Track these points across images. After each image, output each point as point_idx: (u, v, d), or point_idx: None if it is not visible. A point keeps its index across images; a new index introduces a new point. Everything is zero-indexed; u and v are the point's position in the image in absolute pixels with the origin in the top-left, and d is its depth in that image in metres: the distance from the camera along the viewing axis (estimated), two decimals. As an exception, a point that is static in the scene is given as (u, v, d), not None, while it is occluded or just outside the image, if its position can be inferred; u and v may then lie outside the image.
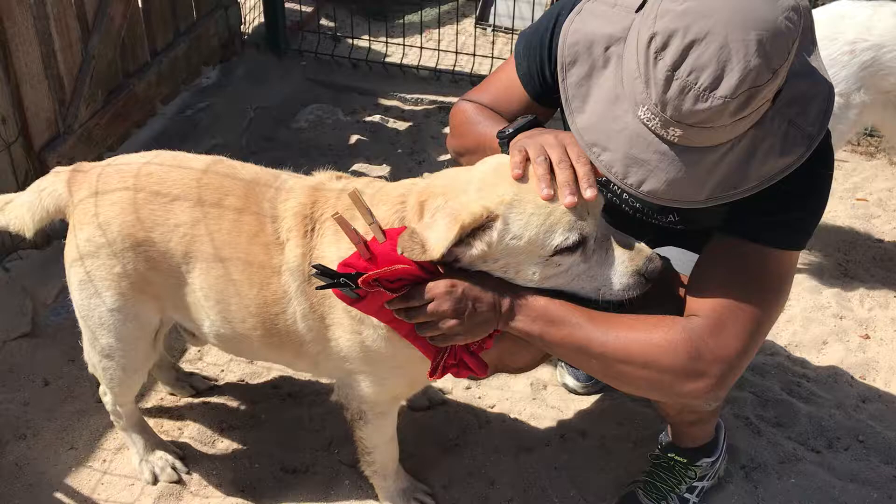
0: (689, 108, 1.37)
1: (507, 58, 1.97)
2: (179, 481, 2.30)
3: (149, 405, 2.52)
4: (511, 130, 1.69)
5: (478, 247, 1.56)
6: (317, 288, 1.64)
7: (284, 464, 2.36)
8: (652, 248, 1.66)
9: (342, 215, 1.56)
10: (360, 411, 2.00)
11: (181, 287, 1.90)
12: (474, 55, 4.20)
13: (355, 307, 1.63)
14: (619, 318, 1.58)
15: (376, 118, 4.01)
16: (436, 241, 1.53)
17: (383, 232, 1.59)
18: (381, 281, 1.55)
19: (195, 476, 2.31)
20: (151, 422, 2.43)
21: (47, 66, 2.88)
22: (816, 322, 2.89)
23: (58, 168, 2.02)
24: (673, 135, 1.41)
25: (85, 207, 1.90)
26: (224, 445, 2.41)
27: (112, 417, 2.28)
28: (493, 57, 4.18)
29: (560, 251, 1.54)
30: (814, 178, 1.60)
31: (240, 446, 2.41)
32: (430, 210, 1.62)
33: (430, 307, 1.58)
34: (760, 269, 1.61)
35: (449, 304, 1.57)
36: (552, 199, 1.52)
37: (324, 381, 2.59)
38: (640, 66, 1.41)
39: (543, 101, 1.85)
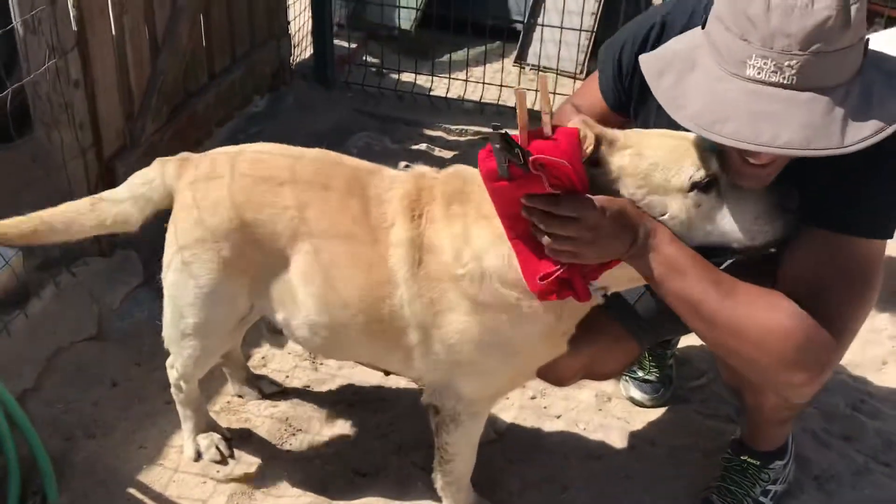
0: (799, 27, 1.38)
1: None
2: (222, 461, 2.31)
3: (217, 407, 2.52)
4: None
5: (615, 162, 1.60)
6: (490, 140, 1.54)
7: (355, 466, 2.35)
8: None
9: (522, 95, 1.55)
10: (454, 412, 1.98)
11: (282, 272, 1.93)
12: (518, 88, 4.29)
13: (494, 185, 1.58)
14: (743, 288, 1.59)
15: (422, 146, 4.08)
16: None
17: (553, 127, 1.58)
18: (544, 170, 1.53)
19: (266, 476, 2.31)
20: (221, 419, 2.43)
21: (120, 79, 2.97)
22: (874, 343, 2.90)
23: (161, 158, 2.07)
24: (789, 73, 1.40)
25: (194, 191, 1.95)
26: (294, 447, 2.41)
27: (173, 390, 2.29)
28: (536, 90, 4.27)
29: (694, 186, 1.58)
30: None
31: (309, 448, 2.40)
32: None
33: (584, 216, 1.55)
34: (851, 261, 1.63)
35: (594, 220, 1.55)
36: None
37: (391, 385, 2.59)
38: (733, 25, 1.44)
39: (620, 111, 1.99)
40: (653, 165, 1.60)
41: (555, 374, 2.05)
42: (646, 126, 1.88)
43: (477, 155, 1.61)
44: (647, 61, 1.62)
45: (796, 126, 1.42)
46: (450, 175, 1.91)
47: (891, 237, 1.70)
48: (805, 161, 1.50)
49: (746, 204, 1.59)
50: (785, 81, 1.42)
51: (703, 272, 1.59)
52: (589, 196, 1.56)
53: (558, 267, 1.63)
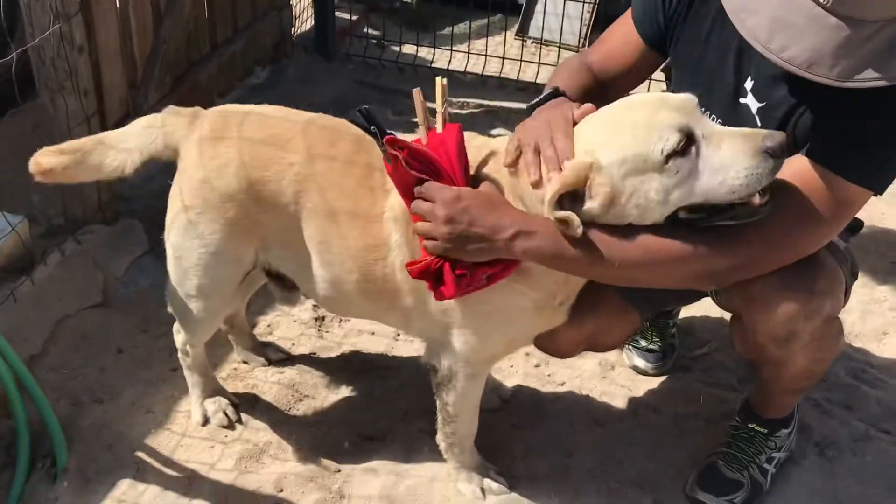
0: None
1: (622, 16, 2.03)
2: (230, 426, 2.33)
3: (224, 373, 2.54)
4: (535, 101, 1.79)
5: (601, 190, 1.59)
6: (350, 119, 1.70)
7: (362, 431, 2.37)
8: None
9: (419, 93, 1.66)
10: (451, 372, 2.00)
11: (288, 228, 1.94)
12: (521, 60, 4.29)
13: (388, 169, 1.70)
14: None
15: (424, 119, 4.07)
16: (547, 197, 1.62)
17: (445, 125, 1.70)
18: (409, 156, 1.63)
19: (274, 440, 2.33)
20: (228, 386, 2.45)
21: (123, 47, 2.95)
22: (875, 314, 2.92)
23: (172, 108, 2.06)
24: None
25: (201, 150, 1.94)
26: (301, 413, 2.42)
27: (179, 355, 2.30)
28: (539, 63, 4.27)
29: (670, 155, 1.54)
30: None
31: (316, 414, 2.42)
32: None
33: (425, 206, 1.66)
34: (825, 198, 1.64)
35: (444, 212, 1.63)
36: (538, 183, 1.62)
37: (397, 353, 2.61)
38: None
39: (657, 47, 1.93)
40: (621, 162, 1.58)
41: (556, 347, 2.07)
42: (684, 57, 1.90)
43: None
44: None
45: (807, 45, 1.45)
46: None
47: (878, 192, 1.70)
48: (825, 95, 1.52)
49: (727, 155, 1.54)
50: (822, 1, 1.43)
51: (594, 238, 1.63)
52: (455, 187, 1.66)
53: (427, 258, 1.70)
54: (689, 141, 1.55)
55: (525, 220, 1.66)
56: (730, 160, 1.54)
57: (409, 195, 1.70)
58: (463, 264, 1.68)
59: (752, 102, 1.83)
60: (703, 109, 1.84)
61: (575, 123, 1.68)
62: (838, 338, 1.99)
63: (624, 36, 1.97)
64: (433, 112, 1.80)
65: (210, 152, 1.94)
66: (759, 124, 1.80)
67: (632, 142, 1.57)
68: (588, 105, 1.68)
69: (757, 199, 1.56)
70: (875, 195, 1.71)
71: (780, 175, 1.62)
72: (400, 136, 1.70)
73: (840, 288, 1.87)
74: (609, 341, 2.17)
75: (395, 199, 1.84)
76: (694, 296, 2.17)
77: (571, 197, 1.61)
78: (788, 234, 1.65)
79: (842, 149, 1.64)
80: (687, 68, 1.92)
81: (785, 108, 1.76)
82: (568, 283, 1.84)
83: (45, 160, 2.03)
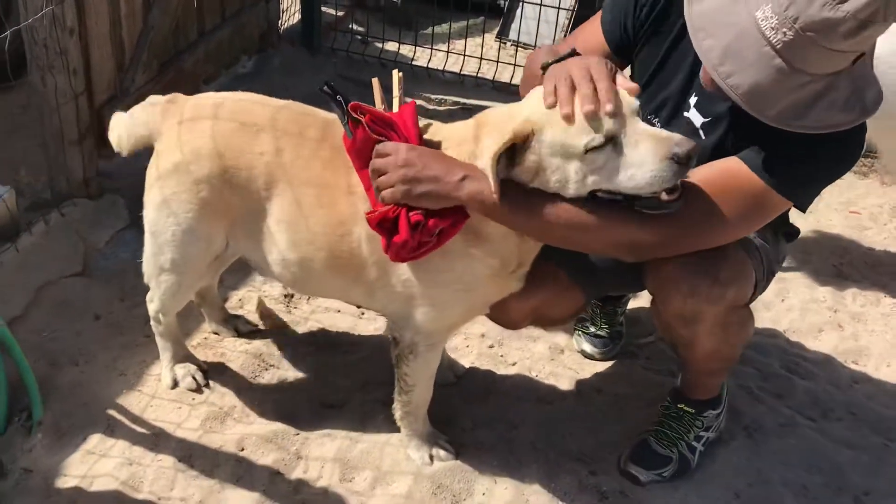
0: (813, 12, 1.53)
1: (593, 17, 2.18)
2: (198, 390, 2.48)
3: (195, 342, 2.68)
4: (551, 61, 1.85)
5: (530, 158, 1.78)
6: (320, 89, 1.90)
7: (322, 399, 2.53)
8: None
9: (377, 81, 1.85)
10: (412, 343, 2.14)
11: (257, 214, 2.09)
12: (497, 61, 4.46)
13: (349, 146, 1.89)
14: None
15: (402, 114, 4.23)
16: (487, 148, 1.79)
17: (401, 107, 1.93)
18: (370, 120, 1.84)
19: (238, 404, 2.48)
20: (198, 353, 2.60)
21: (113, 30, 3.10)
22: (813, 312, 3.11)
23: (153, 97, 2.22)
24: (781, 38, 1.57)
25: (176, 134, 2.10)
26: (265, 381, 2.58)
27: (152, 323, 2.45)
28: (514, 65, 4.44)
29: (590, 149, 1.72)
30: (844, 148, 1.82)
31: (279, 382, 2.57)
32: (485, 135, 1.87)
33: (381, 162, 1.84)
34: (748, 199, 1.85)
35: (402, 157, 1.82)
36: (571, 116, 1.73)
37: (360, 330, 2.76)
38: None
39: (621, 53, 2.09)
40: (551, 144, 1.76)
41: (507, 317, 2.23)
42: (651, 68, 2.06)
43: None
44: None
45: (752, 80, 1.63)
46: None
47: (800, 207, 1.91)
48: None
49: (640, 155, 1.71)
50: (774, 41, 1.59)
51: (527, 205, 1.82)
52: (405, 144, 1.85)
53: (384, 207, 1.87)
54: (610, 141, 1.73)
55: (472, 168, 1.84)
56: (640, 160, 1.71)
57: (365, 161, 1.88)
58: (417, 212, 1.85)
59: (695, 117, 2.03)
60: (650, 115, 2.03)
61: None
62: (745, 326, 2.14)
63: (589, 37, 2.12)
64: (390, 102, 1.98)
65: (185, 136, 2.09)
66: (703, 137, 2.00)
67: (564, 130, 1.74)
68: (635, 85, 1.79)
69: (664, 196, 1.75)
70: (798, 208, 1.91)
71: (714, 167, 1.84)
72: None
73: (746, 280, 2.04)
74: (554, 315, 2.33)
75: (357, 177, 2.00)
76: (636, 284, 2.33)
77: (507, 158, 1.79)
78: (705, 223, 1.84)
79: (770, 158, 1.82)
80: (644, 75, 2.10)
81: (725, 124, 1.96)
82: (521, 251, 2.01)
83: None
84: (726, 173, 1.86)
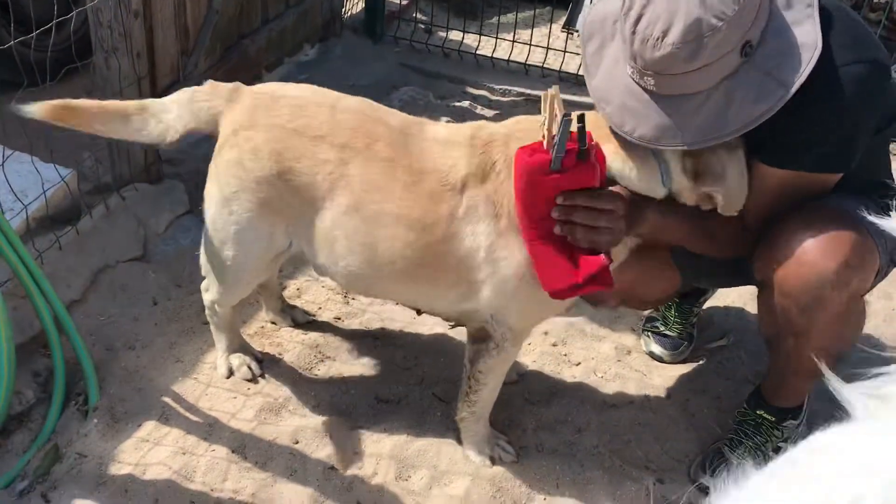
0: (650, 57, 1.66)
1: None
2: (253, 380, 2.43)
3: (251, 330, 2.64)
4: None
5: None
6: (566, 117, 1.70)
7: (378, 394, 2.45)
8: None
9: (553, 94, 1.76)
10: (502, 339, 2.06)
11: (321, 220, 1.99)
12: (565, 51, 4.33)
13: (539, 179, 1.76)
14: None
15: (465, 104, 4.14)
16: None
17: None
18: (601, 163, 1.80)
19: (293, 396, 2.42)
20: (254, 343, 2.55)
21: (177, 15, 3.06)
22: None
23: (214, 82, 2.14)
24: (648, 83, 1.69)
25: (237, 131, 2.01)
26: (321, 373, 2.51)
27: (207, 312, 2.39)
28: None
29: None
30: (841, 112, 1.76)
31: (336, 375, 2.51)
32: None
33: (600, 206, 1.80)
34: (802, 188, 1.90)
35: (623, 209, 1.83)
36: None
37: (418, 323, 2.68)
38: (620, 28, 1.73)
39: None
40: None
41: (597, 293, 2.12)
42: None
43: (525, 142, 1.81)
44: (585, 23, 1.85)
45: (651, 125, 1.72)
46: (510, 131, 1.97)
47: (837, 171, 1.88)
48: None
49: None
50: (647, 87, 1.71)
51: (683, 223, 1.92)
52: (613, 190, 1.83)
53: (606, 260, 1.80)
54: None
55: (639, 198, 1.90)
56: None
57: (540, 211, 1.79)
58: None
59: None
60: None
61: None
62: (860, 319, 2.02)
63: None
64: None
65: (245, 135, 2.00)
66: None
67: None
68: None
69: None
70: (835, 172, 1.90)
71: (764, 185, 1.88)
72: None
73: (871, 267, 1.91)
74: (646, 294, 2.26)
75: (474, 193, 1.90)
76: (736, 278, 2.23)
77: None
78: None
79: (798, 152, 1.84)
80: None
81: None
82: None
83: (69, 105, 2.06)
84: (779, 183, 1.88)
